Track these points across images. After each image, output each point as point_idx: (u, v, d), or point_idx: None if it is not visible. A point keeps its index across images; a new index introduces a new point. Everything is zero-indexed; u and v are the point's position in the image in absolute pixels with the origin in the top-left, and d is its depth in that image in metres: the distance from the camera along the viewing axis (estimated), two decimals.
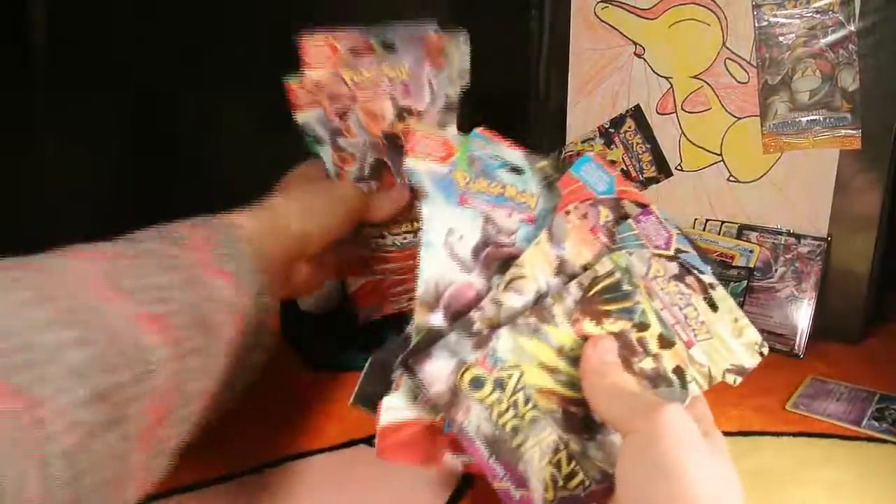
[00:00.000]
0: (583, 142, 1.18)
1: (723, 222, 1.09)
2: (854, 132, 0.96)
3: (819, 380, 0.91)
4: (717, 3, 1.02)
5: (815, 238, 1.02)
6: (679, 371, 0.35)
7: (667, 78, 1.09)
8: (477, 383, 0.41)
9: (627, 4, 1.08)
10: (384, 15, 1.33)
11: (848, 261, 1.00)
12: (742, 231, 1.07)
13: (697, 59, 1.06)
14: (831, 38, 0.96)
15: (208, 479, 0.67)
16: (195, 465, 0.71)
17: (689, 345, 0.35)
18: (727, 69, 1.04)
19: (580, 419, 0.40)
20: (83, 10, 1.37)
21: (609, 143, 1.15)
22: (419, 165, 0.44)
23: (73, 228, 1.44)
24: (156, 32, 1.35)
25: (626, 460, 0.35)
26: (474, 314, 0.42)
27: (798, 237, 1.03)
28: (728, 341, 0.35)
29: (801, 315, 1.00)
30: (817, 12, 0.96)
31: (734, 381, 0.36)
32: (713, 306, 0.36)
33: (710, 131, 1.07)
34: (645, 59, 1.10)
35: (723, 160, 1.07)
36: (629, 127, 1.14)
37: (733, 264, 1.04)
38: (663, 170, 1.12)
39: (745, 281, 1.00)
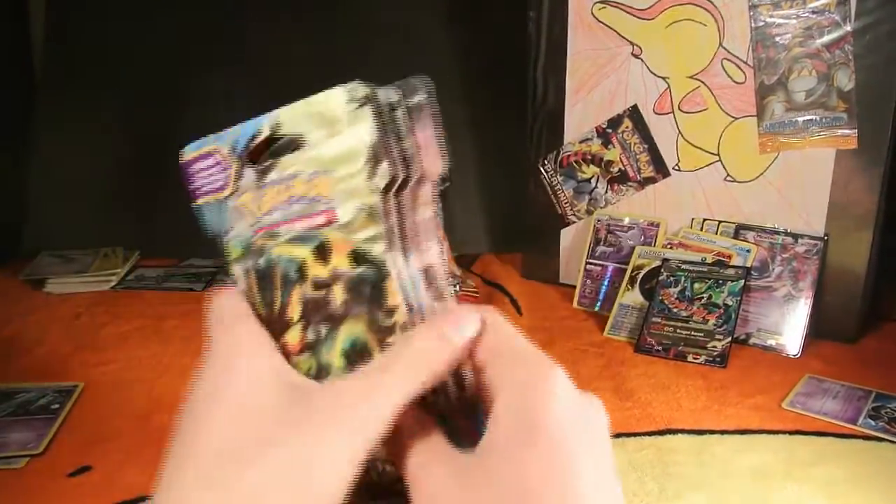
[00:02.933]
0: (581, 142, 1.18)
1: (720, 222, 1.09)
2: (850, 132, 0.97)
3: (815, 378, 0.91)
4: (714, 4, 1.03)
5: (811, 237, 1.02)
6: (367, 263, 0.23)
7: (664, 78, 1.09)
8: None
9: (625, 5, 1.09)
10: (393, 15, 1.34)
11: (845, 260, 1.01)
12: (739, 231, 1.07)
13: (694, 59, 1.06)
14: (827, 38, 0.96)
15: None
16: None
17: (331, 219, 0.23)
18: (724, 69, 1.04)
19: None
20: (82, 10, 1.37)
21: (607, 143, 1.16)
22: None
23: (72, 227, 1.43)
24: (155, 32, 1.35)
25: None
26: None
27: (795, 236, 1.03)
28: (342, 155, 0.23)
29: (798, 314, 1.01)
30: (813, 13, 0.96)
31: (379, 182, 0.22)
32: (297, 147, 0.24)
33: (708, 131, 1.08)
34: (642, 60, 1.10)
35: (720, 160, 1.08)
36: (627, 127, 1.14)
37: (730, 264, 1.04)
38: (661, 170, 1.13)
39: (743, 280, 1.01)
